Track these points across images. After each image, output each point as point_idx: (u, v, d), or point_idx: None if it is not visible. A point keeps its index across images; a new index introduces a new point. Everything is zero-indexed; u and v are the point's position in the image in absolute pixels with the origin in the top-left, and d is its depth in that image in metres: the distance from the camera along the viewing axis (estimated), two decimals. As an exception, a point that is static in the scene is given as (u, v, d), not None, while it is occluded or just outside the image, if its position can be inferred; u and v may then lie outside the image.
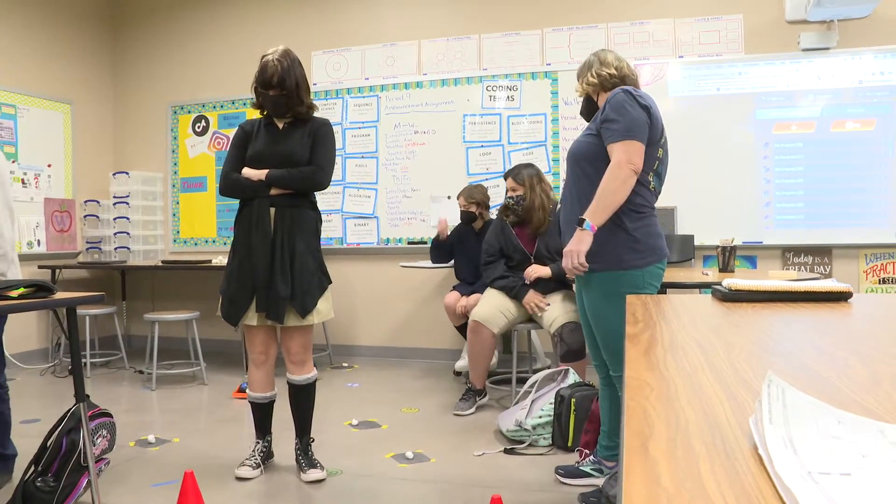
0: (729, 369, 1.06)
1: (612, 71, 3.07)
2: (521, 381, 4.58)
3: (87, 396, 3.03)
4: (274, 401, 3.65)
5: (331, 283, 3.55)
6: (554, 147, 6.12)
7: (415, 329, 6.51)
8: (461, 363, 5.64)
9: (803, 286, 1.91)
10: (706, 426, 0.76)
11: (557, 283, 4.61)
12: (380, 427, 4.36)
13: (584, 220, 2.82)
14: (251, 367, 3.59)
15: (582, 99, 3.23)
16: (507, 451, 3.84)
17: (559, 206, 3.38)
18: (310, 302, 3.39)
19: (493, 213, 5.41)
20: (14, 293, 2.65)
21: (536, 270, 4.54)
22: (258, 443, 3.63)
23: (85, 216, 7.08)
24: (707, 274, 4.06)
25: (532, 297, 4.54)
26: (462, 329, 5.47)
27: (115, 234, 7.01)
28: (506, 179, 4.74)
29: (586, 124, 3.15)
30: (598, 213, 2.82)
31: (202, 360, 5.77)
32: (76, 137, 7.11)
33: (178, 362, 6.34)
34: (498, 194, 5.86)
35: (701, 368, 1.07)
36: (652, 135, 2.89)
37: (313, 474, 3.45)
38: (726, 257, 4.13)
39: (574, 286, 3.24)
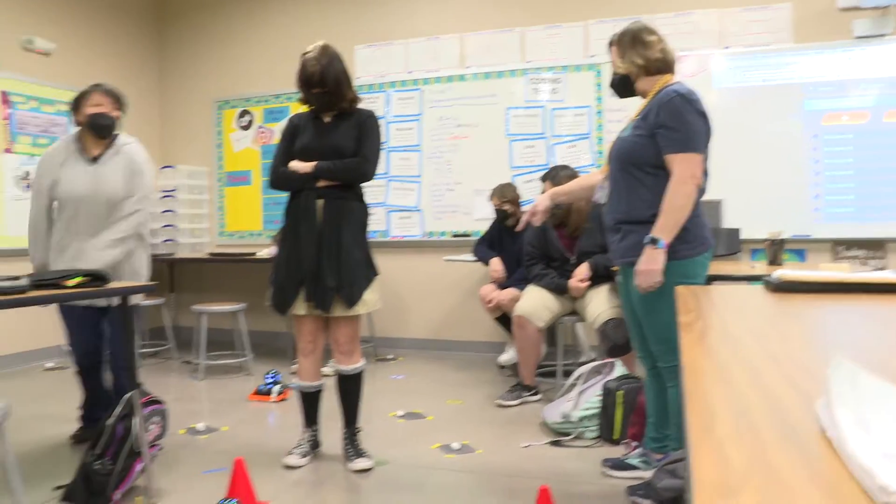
0: (786, 357, 1.06)
1: (658, 55, 3.03)
2: (567, 374, 4.57)
3: (140, 384, 3.10)
4: (321, 390, 3.69)
5: (378, 274, 3.57)
6: (598, 139, 6.09)
7: (458, 322, 6.52)
8: (505, 357, 5.65)
9: (859, 277, 1.88)
10: (769, 410, 0.76)
11: (600, 279, 4.58)
12: (425, 418, 4.39)
13: (655, 238, 2.82)
14: (300, 357, 3.63)
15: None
16: (553, 444, 3.84)
17: (599, 204, 3.36)
18: (357, 292, 3.42)
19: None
20: (70, 282, 2.71)
21: (580, 275, 4.54)
22: (306, 432, 3.68)
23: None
24: (755, 267, 4.01)
25: (574, 282, 4.53)
26: (501, 322, 5.48)
27: (162, 227, 7.12)
28: (543, 182, 4.74)
29: (629, 116, 3.13)
30: (668, 229, 2.83)
31: (249, 350, 5.85)
32: (125, 132, 7.22)
33: (226, 353, 6.43)
34: (538, 187, 5.83)
35: (757, 356, 1.07)
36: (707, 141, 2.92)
37: (360, 463, 3.49)
38: (775, 250, 4.08)
39: (617, 279, 3.23)
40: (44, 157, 3.69)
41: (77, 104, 3.70)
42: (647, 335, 3.07)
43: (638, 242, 2.91)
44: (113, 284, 2.95)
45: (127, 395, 3.13)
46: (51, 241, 3.67)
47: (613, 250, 3.13)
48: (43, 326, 6.28)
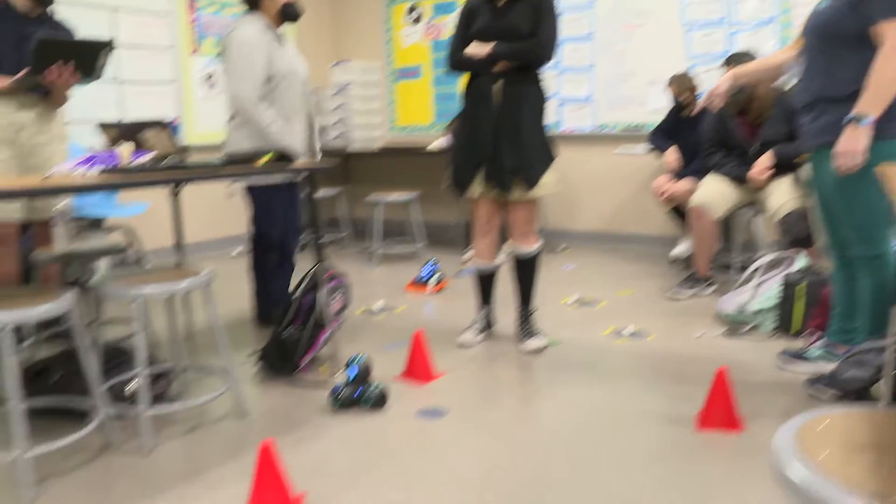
0: None
1: None
2: (742, 269, 4.45)
3: (324, 259, 3.27)
4: (496, 271, 3.76)
5: (554, 158, 3.56)
6: (784, 24, 5.70)
7: (629, 215, 6.43)
8: (678, 250, 5.54)
9: None
10: None
11: (782, 169, 4.36)
12: (596, 306, 4.41)
13: (858, 116, 2.64)
14: (476, 237, 3.70)
15: None
16: (727, 335, 3.78)
17: (787, 89, 3.15)
18: (535, 174, 3.44)
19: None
20: (260, 161, 2.87)
21: (761, 164, 4.32)
22: (480, 311, 3.78)
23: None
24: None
25: (756, 172, 4.33)
26: (675, 214, 5.36)
27: (336, 121, 7.34)
28: (726, 66, 4.50)
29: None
30: (874, 105, 2.63)
31: (422, 238, 6.02)
32: (299, 29, 7.43)
33: (399, 241, 6.65)
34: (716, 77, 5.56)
35: None
36: None
37: (534, 343, 3.57)
38: None
39: (811, 163, 3.05)
40: (252, 38, 3.76)
41: None
42: (842, 221, 2.92)
43: (836, 122, 2.74)
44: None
45: (312, 268, 3.32)
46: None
47: (806, 131, 2.95)
48: (230, 217, 6.72)
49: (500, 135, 3.41)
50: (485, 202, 3.59)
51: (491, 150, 3.43)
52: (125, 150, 2.62)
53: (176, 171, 2.58)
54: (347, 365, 2.92)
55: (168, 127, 2.76)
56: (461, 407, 2.89)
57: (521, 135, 3.40)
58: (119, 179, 2.36)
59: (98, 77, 3.36)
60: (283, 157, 2.97)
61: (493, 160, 3.44)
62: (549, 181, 3.51)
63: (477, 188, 3.53)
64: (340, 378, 3.13)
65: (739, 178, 4.43)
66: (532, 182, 3.44)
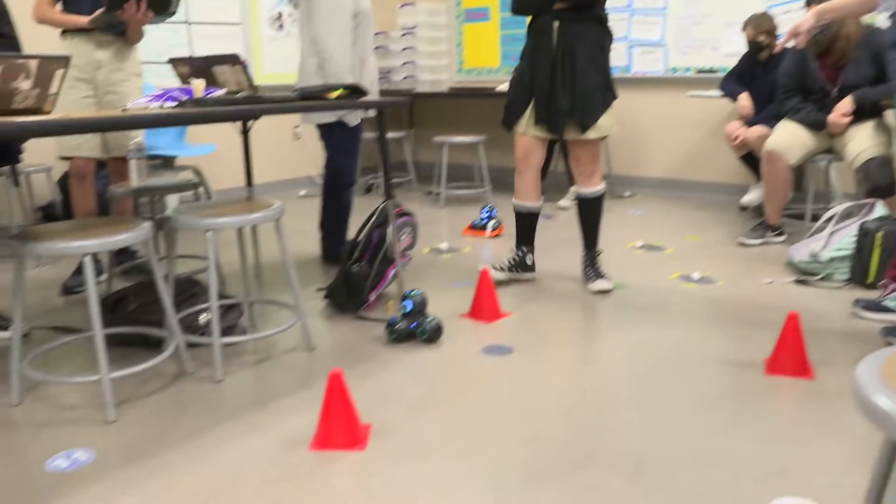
0: None
1: None
2: (815, 219, 4.34)
3: (394, 196, 3.29)
4: (537, 213, 3.73)
5: (616, 98, 3.48)
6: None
7: (699, 162, 6.30)
8: (748, 197, 5.42)
9: None
10: None
11: (863, 114, 4.20)
12: (663, 251, 4.36)
13: None
14: (516, 176, 3.67)
15: None
16: (798, 282, 3.70)
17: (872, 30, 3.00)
18: (589, 117, 3.38)
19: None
20: (332, 95, 2.88)
21: (842, 108, 4.16)
22: (516, 251, 3.77)
23: (375, 48, 7.42)
24: None
25: (835, 116, 4.17)
26: (746, 161, 5.24)
27: (402, 64, 7.31)
28: (808, 6, 4.32)
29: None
30: None
31: (488, 182, 6.00)
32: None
33: (465, 184, 6.64)
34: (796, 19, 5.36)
35: None
36: None
37: (600, 284, 3.55)
38: None
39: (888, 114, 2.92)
40: None
41: None
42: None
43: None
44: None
45: (381, 205, 3.34)
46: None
47: None
48: (296, 158, 6.79)
49: (556, 74, 3.36)
50: (526, 139, 3.55)
51: (547, 88, 3.39)
52: (198, 86, 2.65)
53: (252, 103, 2.60)
54: (404, 299, 2.95)
55: (240, 62, 2.78)
56: (526, 345, 2.90)
57: (576, 75, 3.34)
58: (195, 111, 2.40)
59: (172, 14, 3.39)
60: (355, 92, 2.97)
61: (547, 99, 3.40)
62: (605, 124, 3.44)
63: (524, 124, 3.51)
64: (396, 312, 3.17)
65: (817, 124, 4.28)
66: (585, 125, 3.39)
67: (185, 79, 3.04)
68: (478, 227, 4.97)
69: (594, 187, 3.58)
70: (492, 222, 4.93)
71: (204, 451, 2.11)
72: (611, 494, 1.85)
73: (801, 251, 3.87)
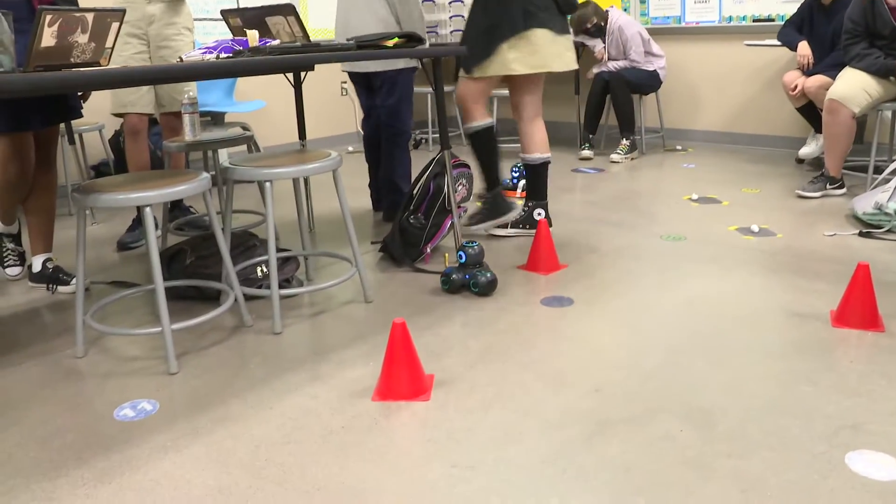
0: None
1: None
2: (878, 172, 4.20)
3: (449, 147, 3.25)
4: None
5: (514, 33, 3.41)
6: None
7: (754, 114, 6.13)
8: (806, 150, 5.27)
9: None
10: None
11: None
12: (720, 203, 4.26)
13: None
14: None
15: None
16: (862, 235, 3.60)
17: None
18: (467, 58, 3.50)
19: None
20: (389, 42, 2.83)
21: None
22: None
23: (423, 0, 7.33)
24: None
25: None
26: (805, 112, 5.08)
27: (450, 17, 7.20)
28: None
29: None
30: None
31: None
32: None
33: (515, 137, 6.52)
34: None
35: None
36: None
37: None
38: None
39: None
40: None
41: None
42: None
43: None
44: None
45: (437, 155, 3.30)
46: None
47: None
48: (345, 114, 6.77)
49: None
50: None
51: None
52: (252, 36, 2.62)
53: (309, 51, 2.57)
54: (460, 249, 2.92)
55: (294, 12, 2.74)
56: (586, 297, 2.86)
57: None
58: (253, 59, 2.37)
59: None
60: (412, 40, 2.93)
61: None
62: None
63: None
64: (452, 263, 3.15)
65: (886, 69, 4.11)
66: (466, 67, 3.52)
67: (237, 31, 3.01)
68: (507, 188, 4.61)
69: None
70: (522, 182, 4.60)
71: (266, 402, 2.12)
72: (681, 445, 1.82)
73: (865, 202, 3.76)
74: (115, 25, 2.38)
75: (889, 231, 3.60)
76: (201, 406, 2.11)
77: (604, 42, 5.92)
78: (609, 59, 5.93)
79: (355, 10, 3.78)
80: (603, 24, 5.86)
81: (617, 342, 2.45)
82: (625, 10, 6.43)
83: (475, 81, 3.53)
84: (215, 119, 5.27)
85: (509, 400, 2.08)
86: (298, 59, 2.46)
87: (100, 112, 4.59)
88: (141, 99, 3.57)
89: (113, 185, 2.33)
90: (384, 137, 3.98)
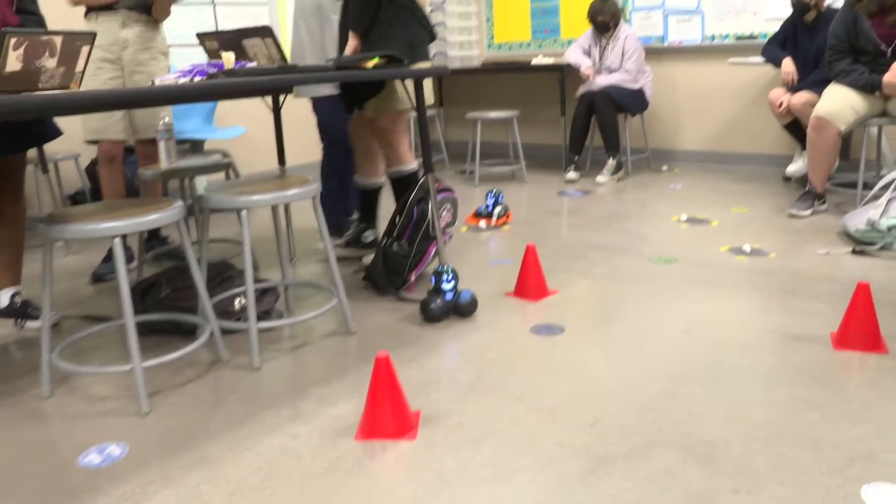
0: None
1: None
2: (867, 187, 4.14)
3: (433, 170, 3.15)
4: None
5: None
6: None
7: (740, 133, 6.08)
8: (793, 167, 5.23)
9: None
10: None
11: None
12: (710, 223, 4.19)
13: None
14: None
15: None
16: (855, 252, 3.52)
17: None
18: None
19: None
20: (369, 64, 2.75)
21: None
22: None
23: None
24: None
25: (892, 76, 3.95)
26: (791, 129, 5.03)
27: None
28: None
29: None
30: None
31: (522, 159, 5.84)
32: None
33: (498, 161, 6.46)
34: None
35: None
36: None
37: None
38: None
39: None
40: None
41: None
42: None
43: None
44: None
45: (422, 179, 3.21)
46: None
47: None
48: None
49: None
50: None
51: None
52: (228, 59, 2.53)
53: (287, 72, 2.48)
54: (433, 275, 2.83)
55: (272, 34, 2.64)
56: (578, 324, 2.76)
57: None
58: (227, 82, 2.27)
59: None
60: (392, 60, 2.84)
61: None
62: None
63: None
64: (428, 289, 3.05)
65: (870, 86, 4.07)
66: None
67: (213, 53, 2.91)
68: (482, 215, 4.47)
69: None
70: (498, 209, 4.44)
71: (244, 443, 2.00)
72: (684, 481, 1.71)
73: (857, 219, 3.69)
74: (85, 49, 2.28)
75: (882, 248, 3.53)
76: (174, 449, 1.99)
77: (604, 42, 5.81)
78: (602, 67, 5.81)
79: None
80: (613, 26, 5.75)
81: (611, 371, 2.35)
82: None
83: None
84: (195, 146, 5.16)
85: (500, 435, 1.97)
86: (274, 80, 2.36)
87: (75, 140, 4.47)
88: (114, 125, 3.46)
89: (83, 215, 2.22)
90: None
